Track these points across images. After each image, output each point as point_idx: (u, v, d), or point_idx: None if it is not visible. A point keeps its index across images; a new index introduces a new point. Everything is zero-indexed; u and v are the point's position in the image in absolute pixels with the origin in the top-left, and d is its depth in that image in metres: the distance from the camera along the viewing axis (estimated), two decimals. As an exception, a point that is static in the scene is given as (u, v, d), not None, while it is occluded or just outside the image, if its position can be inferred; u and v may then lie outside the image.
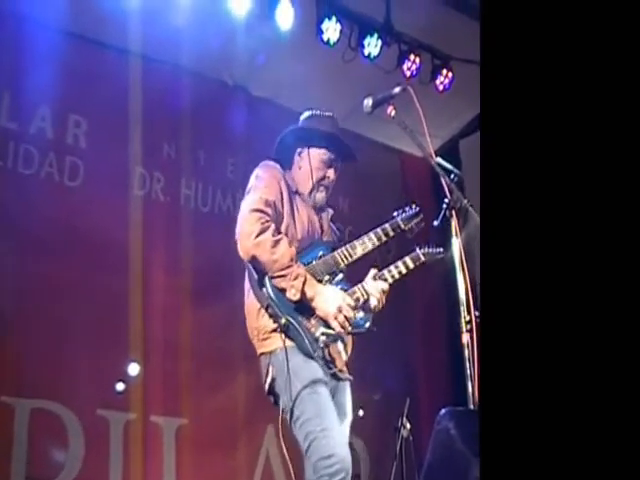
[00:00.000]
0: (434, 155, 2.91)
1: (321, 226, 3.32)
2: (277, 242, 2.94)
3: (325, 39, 5.74)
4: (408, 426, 4.89)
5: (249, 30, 5.53)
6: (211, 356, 5.47)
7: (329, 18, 5.72)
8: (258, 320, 3.02)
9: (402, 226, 3.26)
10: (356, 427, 6.27)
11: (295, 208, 3.21)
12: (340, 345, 3.07)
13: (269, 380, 2.97)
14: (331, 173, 3.32)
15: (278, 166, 3.27)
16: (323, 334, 2.92)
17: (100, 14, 5.21)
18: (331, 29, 5.74)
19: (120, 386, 5.27)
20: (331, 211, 3.45)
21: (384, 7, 5.96)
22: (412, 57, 6.17)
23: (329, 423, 2.82)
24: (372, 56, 5.96)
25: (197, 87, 6.02)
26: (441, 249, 3.36)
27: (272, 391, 2.97)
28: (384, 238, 3.23)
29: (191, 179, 6.06)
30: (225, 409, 5.51)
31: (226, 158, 6.27)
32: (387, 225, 3.25)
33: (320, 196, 3.32)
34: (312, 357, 2.89)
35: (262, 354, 3.02)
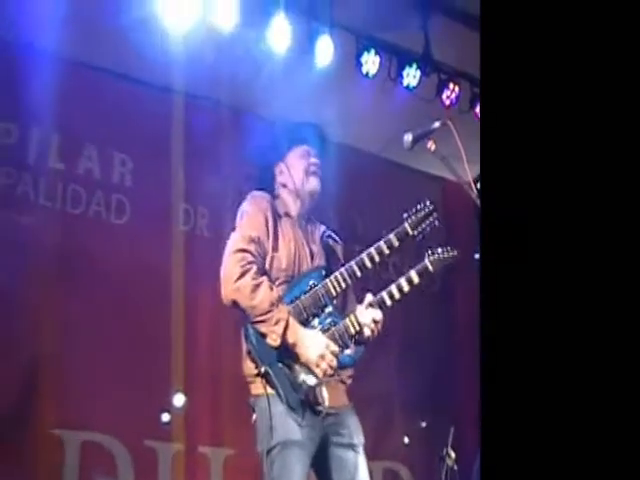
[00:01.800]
0: (474, 186, 2.89)
1: (310, 250, 3.13)
2: (257, 287, 2.84)
3: (364, 71, 5.82)
4: (453, 455, 4.87)
5: (289, 65, 5.61)
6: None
7: (368, 51, 5.80)
8: (244, 362, 2.97)
9: (410, 232, 3.02)
10: (401, 454, 6.29)
11: (281, 236, 3.07)
12: (324, 388, 2.88)
13: (253, 421, 2.93)
14: (313, 159, 3.20)
15: (266, 195, 3.17)
16: (304, 383, 2.82)
17: (143, 53, 5.31)
18: (370, 61, 5.82)
19: (166, 417, 5.32)
20: (322, 227, 3.27)
21: (422, 38, 6.01)
22: (451, 86, 6.19)
23: None
24: (411, 86, 6.01)
25: (239, 123, 6.11)
26: (453, 251, 3.11)
27: (255, 432, 2.92)
28: (387, 251, 3.00)
29: (235, 214, 6.11)
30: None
31: (270, 192, 6.32)
32: (392, 236, 3.01)
33: (310, 185, 3.18)
34: (291, 408, 2.80)
35: (250, 394, 2.97)
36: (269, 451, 2.79)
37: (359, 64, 5.80)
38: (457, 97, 6.21)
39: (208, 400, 5.40)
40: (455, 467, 4.85)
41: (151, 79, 5.77)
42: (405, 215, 3.04)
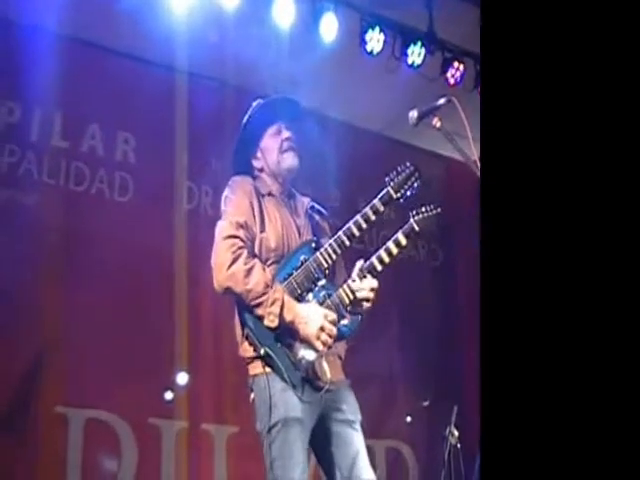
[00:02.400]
0: (479, 164, 2.87)
1: (297, 226, 3.14)
2: (250, 270, 2.85)
3: (369, 49, 5.80)
4: (456, 434, 4.88)
5: (293, 43, 5.59)
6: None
7: (372, 29, 5.78)
8: (240, 345, 2.97)
9: (394, 195, 2.99)
10: (404, 433, 6.31)
11: (267, 216, 3.09)
12: (324, 362, 2.91)
13: (251, 401, 2.94)
14: (285, 134, 3.20)
15: (248, 178, 3.18)
16: (303, 359, 2.84)
17: (146, 32, 5.30)
18: (374, 39, 5.80)
19: (170, 395, 5.35)
20: (306, 200, 3.28)
21: (427, 16, 5.98)
22: (456, 64, 6.18)
23: (290, 470, 2.76)
24: (415, 65, 5.99)
25: (243, 101, 6.08)
26: (437, 208, 3.07)
27: (254, 410, 2.92)
28: (373, 217, 2.97)
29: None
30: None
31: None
32: (376, 201, 2.99)
33: (286, 163, 3.19)
34: (293, 385, 2.81)
35: (248, 375, 2.97)
36: (270, 429, 2.79)
37: (363, 42, 5.78)
38: (462, 76, 6.19)
39: (211, 378, 5.42)
40: (458, 446, 4.87)
41: (155, 58, 5.76)
42: (387, 179, 3.01)
